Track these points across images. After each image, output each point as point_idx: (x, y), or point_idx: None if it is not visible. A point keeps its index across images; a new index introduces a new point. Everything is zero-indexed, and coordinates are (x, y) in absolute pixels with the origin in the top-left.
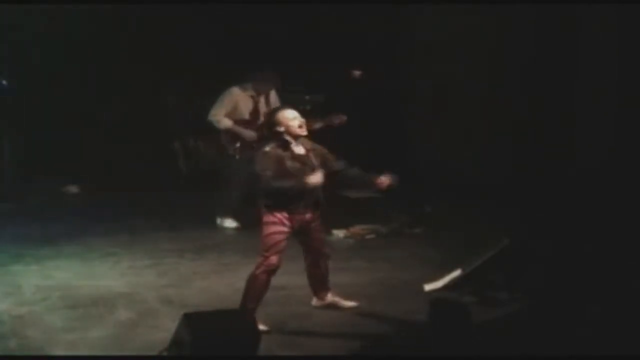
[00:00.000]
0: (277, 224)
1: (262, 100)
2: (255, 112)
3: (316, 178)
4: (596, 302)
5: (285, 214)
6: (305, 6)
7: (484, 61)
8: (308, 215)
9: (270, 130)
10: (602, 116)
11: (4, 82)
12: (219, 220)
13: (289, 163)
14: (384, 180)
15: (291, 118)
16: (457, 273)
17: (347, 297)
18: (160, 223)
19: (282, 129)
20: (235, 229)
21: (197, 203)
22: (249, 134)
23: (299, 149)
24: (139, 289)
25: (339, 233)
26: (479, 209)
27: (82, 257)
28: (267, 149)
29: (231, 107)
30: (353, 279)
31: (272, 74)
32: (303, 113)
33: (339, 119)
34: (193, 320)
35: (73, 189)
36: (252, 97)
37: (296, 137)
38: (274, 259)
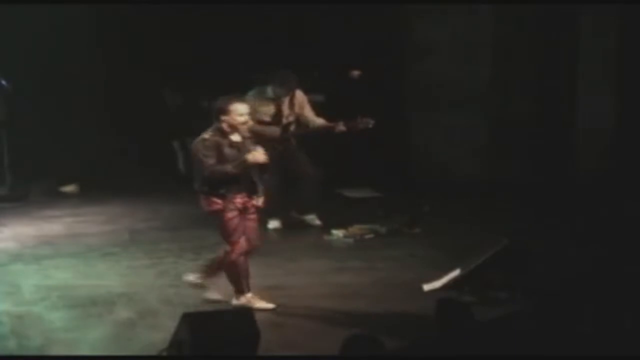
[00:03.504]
0: (227, 210)
1: (285, 102)
2: (277, 114)
3: (256, 156)
4: (595, 302)
5: (228, 199)
6: (304, 6)
7: (484, 60)
8: (246, 201)
9: (216, 115)
10: (603, 116)
11: (3, 82)
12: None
13: (227, 150)
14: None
15: (239, 114)
16: (456, 273)
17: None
18: (159, 223)
19: (226, 118)
20: (278, 229)
21: (195, 203)
22: (271, 130)
23: (236, 137)
24: (138, 288)
25: (338, 233)
26: (478, 208)
27: (81, 257)
28: (206, 136)
29: (251, 110)
30: (352, 279)
31: (288, 76)
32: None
33: (364, 123)
34: (193, 320)
35: (72, 188)
36: (272, 100)
37: (236, 131)
38: (242, 242)
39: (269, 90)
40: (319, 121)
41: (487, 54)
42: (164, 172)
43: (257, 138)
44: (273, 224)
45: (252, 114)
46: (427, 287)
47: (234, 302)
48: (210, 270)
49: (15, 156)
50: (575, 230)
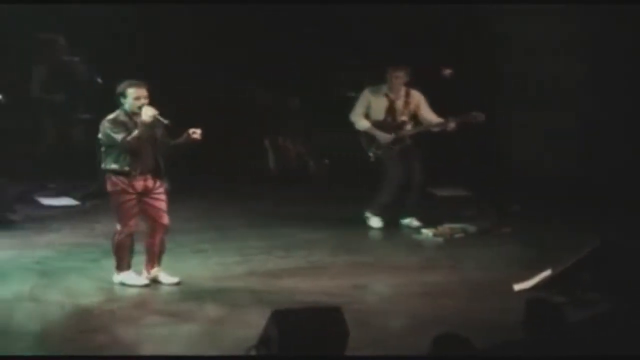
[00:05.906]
0: (124, 193)
1: (400, 98)
2: (391, 111)
3: (149, 112)
4: None
5: (126, 180)
6: (399, 6)
7: (579, 59)
8: (149, 182)
9: (117, 99)
10: None
11: (99, 80)
12: (367, 214)
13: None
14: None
15: (135, 97)
16: (547, 273)
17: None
18: (248, 220)
19: (124, 101)
20: (379, 229)
21: (285, 200)
22: (383, 136)
23: (139, 118)
24: (227, 285)
25: (428, 232)
26: (570, 208)
27: (172, 254)
28: (112, 116)
29: (365, 108)
30: (441, 278)
31: (397, 69)
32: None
33: (475, 117)
34: (282, 318)
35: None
36: (386, 96)
37: (134, 114)
38: (132, 224)
39: (384, 88)
40: (436, 120)
41: (582, 53)
42: (254, 170)
43: (373, 139)
44: (375, 222)
45: (368, 113)
46: (517, 287)
47: (114, 278)
48: (151, 259)
49: None
50: None
